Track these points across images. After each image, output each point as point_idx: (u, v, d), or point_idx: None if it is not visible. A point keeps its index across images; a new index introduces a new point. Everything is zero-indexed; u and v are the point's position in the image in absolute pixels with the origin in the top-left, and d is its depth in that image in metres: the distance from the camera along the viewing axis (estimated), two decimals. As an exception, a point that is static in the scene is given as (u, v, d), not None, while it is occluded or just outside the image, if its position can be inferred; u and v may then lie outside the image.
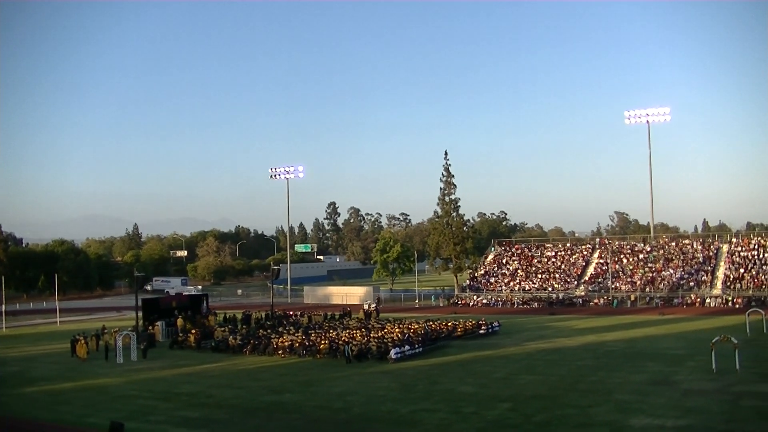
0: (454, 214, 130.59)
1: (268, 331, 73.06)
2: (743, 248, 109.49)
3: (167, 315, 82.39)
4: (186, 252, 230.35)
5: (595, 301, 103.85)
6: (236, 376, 53.92)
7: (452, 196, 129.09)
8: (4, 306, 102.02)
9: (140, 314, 77.95)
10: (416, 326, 70.55)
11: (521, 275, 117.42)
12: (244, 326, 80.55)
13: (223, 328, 76.16)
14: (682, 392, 41.92)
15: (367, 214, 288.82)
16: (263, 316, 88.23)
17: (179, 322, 79.65)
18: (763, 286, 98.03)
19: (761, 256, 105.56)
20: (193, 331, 72.48)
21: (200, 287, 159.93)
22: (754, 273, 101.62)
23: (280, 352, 62.87)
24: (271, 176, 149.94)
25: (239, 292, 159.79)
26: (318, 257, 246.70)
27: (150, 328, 76.60)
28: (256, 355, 63.46)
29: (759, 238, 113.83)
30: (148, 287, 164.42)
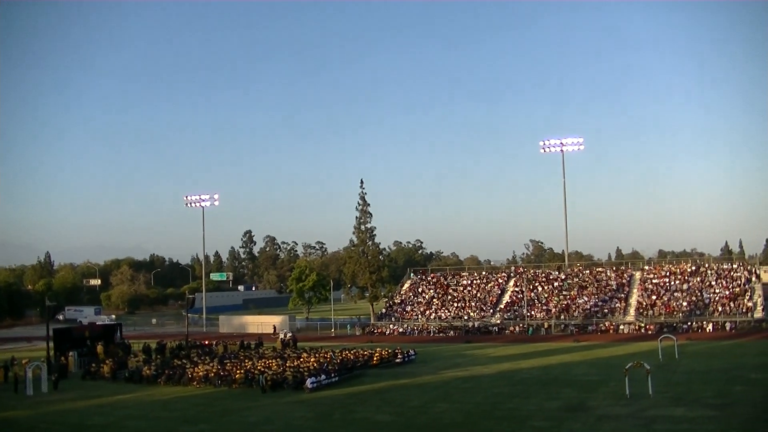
0: (370, 242, 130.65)
1: (183, 360, 71.59)
2: (655, 276, 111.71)
3: (80, 345, 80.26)
4: (99, 280, 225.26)
5: (511, 328, 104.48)
6: (150, 406, 52.59)
7: (368, 225, 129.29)
8: None
9: (52, 344, 75.85)
10: (329, 355, 70.21)
11: (437, 304, 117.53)
12: (158, 356, 78.86)
13: (137, 358, 74.43)
14: (596, 417, 42.17)
15: (283, 242, 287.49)
16: (177, 345, 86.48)
17: (99, 348, 77.82)
18: (675, 313, 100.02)
19: (672, 283, 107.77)
20: (107, 361, 70.65)
21: (114, 316, 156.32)
22: (665, 300, 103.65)
23: (195, 382, 61.63)
24: (186, 204, 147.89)
25: (154, 321, 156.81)
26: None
27: (62, 358, 74.33)
28: (170, 385, 61.98)
29: (670, 266, 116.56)
30: (60, 316, 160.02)
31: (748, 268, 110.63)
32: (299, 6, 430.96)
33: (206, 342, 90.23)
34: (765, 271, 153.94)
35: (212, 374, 62.13)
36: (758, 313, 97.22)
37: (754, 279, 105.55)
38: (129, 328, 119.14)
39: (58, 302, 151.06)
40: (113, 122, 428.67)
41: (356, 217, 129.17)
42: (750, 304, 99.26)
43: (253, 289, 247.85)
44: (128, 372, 67.38)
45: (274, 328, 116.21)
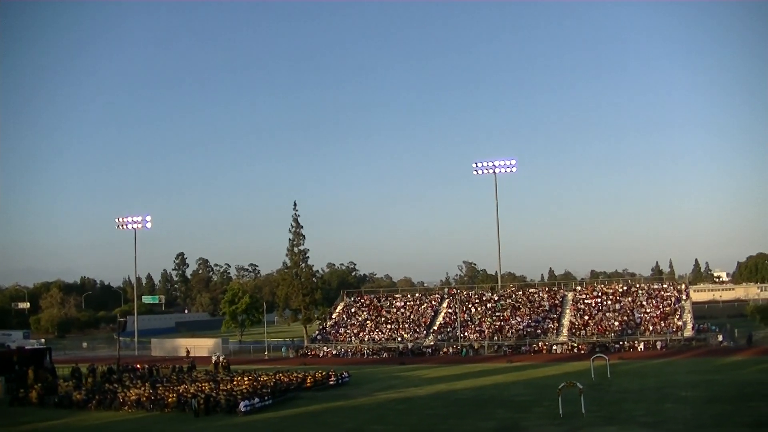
0: (303, 264, 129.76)
1: (115, 385, 69.99)
2: (587, 296, 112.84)
3: (8, 369, 78.08)
4: (28, 304, 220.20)
5: (445, 350, 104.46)
6: (81, 432, 51.25)
7: (301, 247, 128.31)
8: None
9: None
10: (265, 378, 69.42)
11: (370, 325, 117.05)
12: (89, 380, 77.04)
13: (67, 383, 72.59)
14: (530, 438, 42.14)
15: (216, 264, 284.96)
16: (108, 369, 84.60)
17: (30, 373, 75.89)
18: (607, 332, 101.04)
19: (604, 303, 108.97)
20: (35, 387, 68.78)
21: (43, 340, 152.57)
22: (597, 320, 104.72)
23: (126, 406, 60.42)
24: (118, 226, 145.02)
25: (84, 344, 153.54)
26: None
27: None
28: (102, 410, 60.52)
29: (602, 286, 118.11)
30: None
31: (678, 287, 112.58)
32: (233, 22, 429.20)
33: (138, 365, 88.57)
34: (694, 291, 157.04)
35: (144, 398, 61.00)
36: (688, 332, 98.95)
37: (683, 298, 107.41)
38: (59, 352, 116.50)
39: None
40: (40, 140, 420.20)
41: (289, 240, 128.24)
42: (680, 323, 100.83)
43: (186, 312, 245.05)
44: (58, 397, 65.80)
45: (188, 351, 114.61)
